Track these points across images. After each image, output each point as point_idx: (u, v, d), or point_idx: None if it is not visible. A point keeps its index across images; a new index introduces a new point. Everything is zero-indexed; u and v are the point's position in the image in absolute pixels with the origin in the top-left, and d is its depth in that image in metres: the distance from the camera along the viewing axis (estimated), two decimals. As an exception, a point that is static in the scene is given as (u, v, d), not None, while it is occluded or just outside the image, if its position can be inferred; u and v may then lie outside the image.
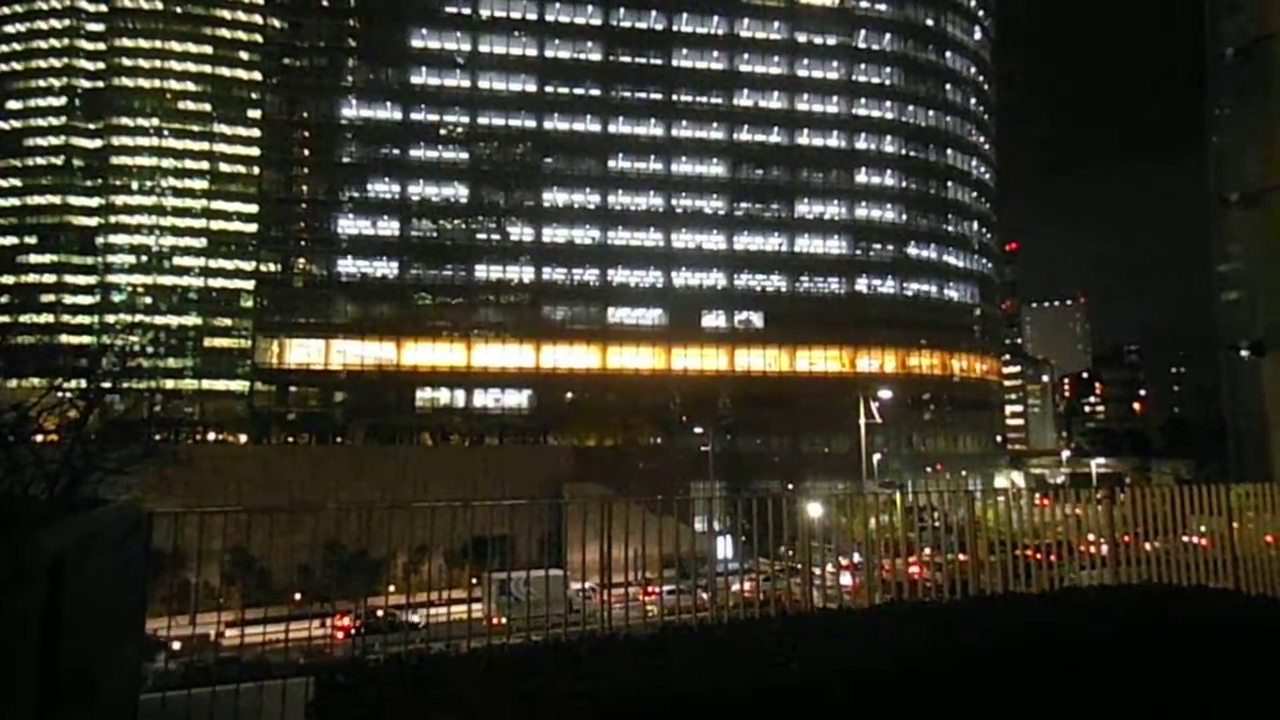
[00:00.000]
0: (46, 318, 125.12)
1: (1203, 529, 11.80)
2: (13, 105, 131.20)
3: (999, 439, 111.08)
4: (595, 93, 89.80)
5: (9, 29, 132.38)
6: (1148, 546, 11.54)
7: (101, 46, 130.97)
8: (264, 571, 42.61)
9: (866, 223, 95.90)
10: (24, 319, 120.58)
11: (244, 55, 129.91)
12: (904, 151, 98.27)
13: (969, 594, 9.76)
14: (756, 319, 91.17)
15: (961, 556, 11.24)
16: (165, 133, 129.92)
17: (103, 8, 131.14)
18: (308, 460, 68.49)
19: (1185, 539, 11.54)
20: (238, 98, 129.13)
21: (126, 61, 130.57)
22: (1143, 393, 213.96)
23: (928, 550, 12.70)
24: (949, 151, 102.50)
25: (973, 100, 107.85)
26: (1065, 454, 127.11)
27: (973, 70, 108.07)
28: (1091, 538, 12.42)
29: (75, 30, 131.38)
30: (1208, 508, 11.46)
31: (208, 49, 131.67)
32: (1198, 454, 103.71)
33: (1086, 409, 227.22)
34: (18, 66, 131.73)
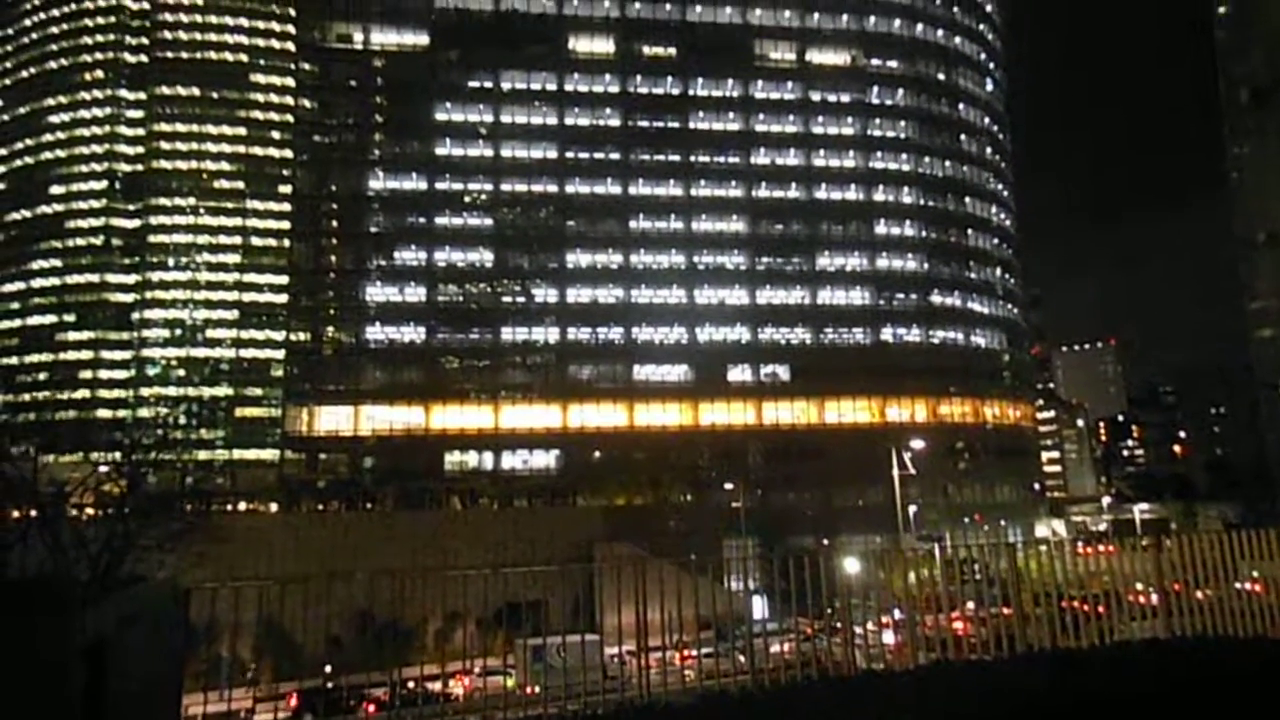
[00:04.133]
0: (83, 393, 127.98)
1: (1255, 574, 11.42)
2: (55, 190, 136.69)
3: (1037, 486, 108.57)
4: (615, 156, 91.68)
5: (54, 119, 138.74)
6: (1199, 595, 11.18)
7: (141, 132, 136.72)
8: (294, 644, 42.26)
9: (889, 273, 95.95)
10: (61, 395, 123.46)
11: (276, 135, 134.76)
12: (923, 202, 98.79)
13: (1015, 650, 9.47)
14: (783, 372, 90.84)
15: (1005, 610, 10.95)
16: (201, 211, 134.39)
17: (142, 96, 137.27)
18: (338, 528, 68.49)
19: (1237, 585, 11.17)
20: (270, 175, 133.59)
21: (165, 145, 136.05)
22: (1182, 434, 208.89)
23: (970, 604, 12.37)
24: (968, 200, 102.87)
25: (989, 149, 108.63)
26: (1106, 500, 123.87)
27: (987, 121, 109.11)
28: (1140, 587, 12.05)
29: (116, 118, 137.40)
30: (1259, 552, 11.11)
31: (242, 130, 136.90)
32: (1245, 495, 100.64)
33: (1125, 453, 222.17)
34: (61, 154, 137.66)
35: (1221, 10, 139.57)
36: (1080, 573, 12.39)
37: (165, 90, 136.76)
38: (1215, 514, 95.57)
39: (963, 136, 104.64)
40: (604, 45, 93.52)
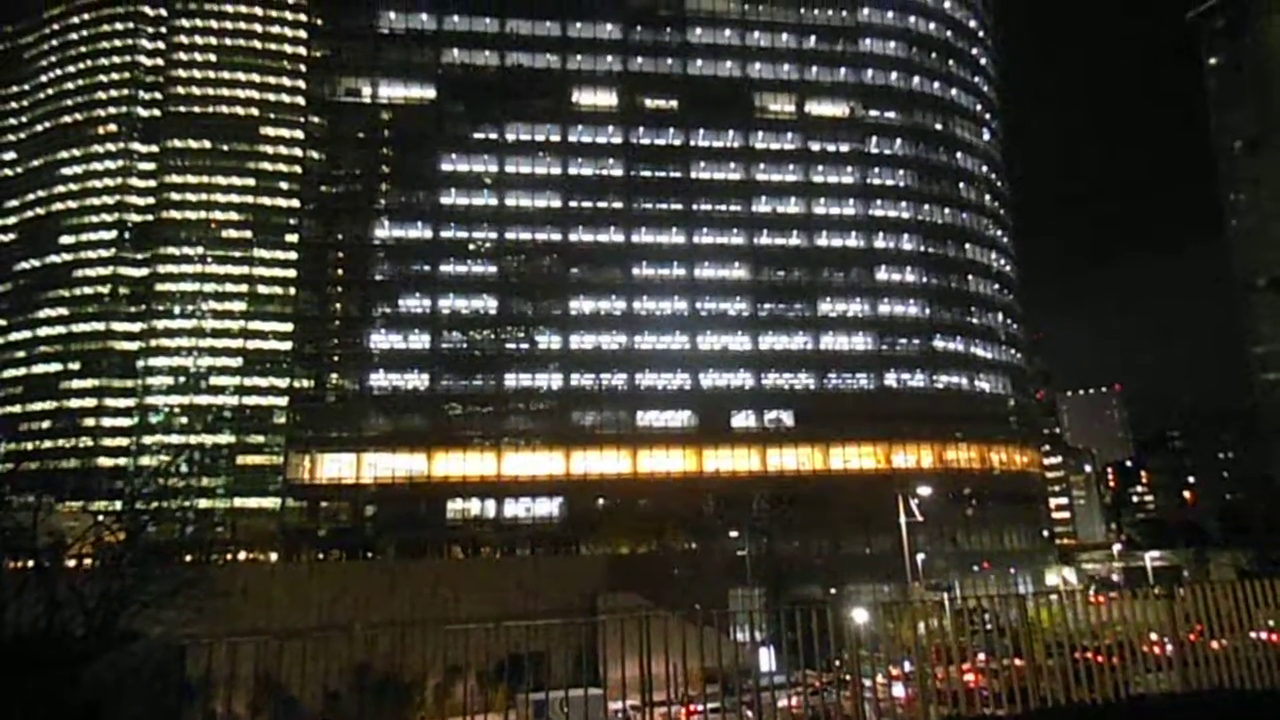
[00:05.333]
0: (86, 441, 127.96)
1: (1271, 623, 11.23)
2: (65, 240, 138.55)
3: (1046, 533, 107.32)
4: (618, 205, 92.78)
5: (66, 171, 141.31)
6: (1215, 645, 10.98)
7: (152, 184, 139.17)
8: (291, 699, 41.40)
9: (890, 318, 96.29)
10: (64, 443, 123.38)
11: (284, 185, 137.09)
12: (923, 248, 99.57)
13: (1029, 704, 9.26)
14: (787, 418, 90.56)
15: (1018, 661, 10.75)
16: (208, 259, 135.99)
17: (154, 148, 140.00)
18: (338, 578, 67.67)
19: (1253, 635, 10.99)
20: (277, 224, 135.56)
21: (175, 196, 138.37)
22: (1191, 480, 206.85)
23: (981, 656, 12.14)
24: (968, 246, 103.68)
25: (987, 197, 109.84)
26: (1117, 547, 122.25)
27: (984, 169, 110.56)
28: (1154, 637, 11.83)
29: (128, 170, 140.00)
30: (1275, 601, 10.94)
31: (250, 181, 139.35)
32: (1257, 542, 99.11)
33: (1134, 499, 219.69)
34: (72, 205, 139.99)
35: (1213, 61, 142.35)
36: (1093, 622, 12.17)
37: (177, 143, 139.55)
38: (1228, 561, 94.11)
39: (961, 184, 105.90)
40: (607, 98, 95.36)
